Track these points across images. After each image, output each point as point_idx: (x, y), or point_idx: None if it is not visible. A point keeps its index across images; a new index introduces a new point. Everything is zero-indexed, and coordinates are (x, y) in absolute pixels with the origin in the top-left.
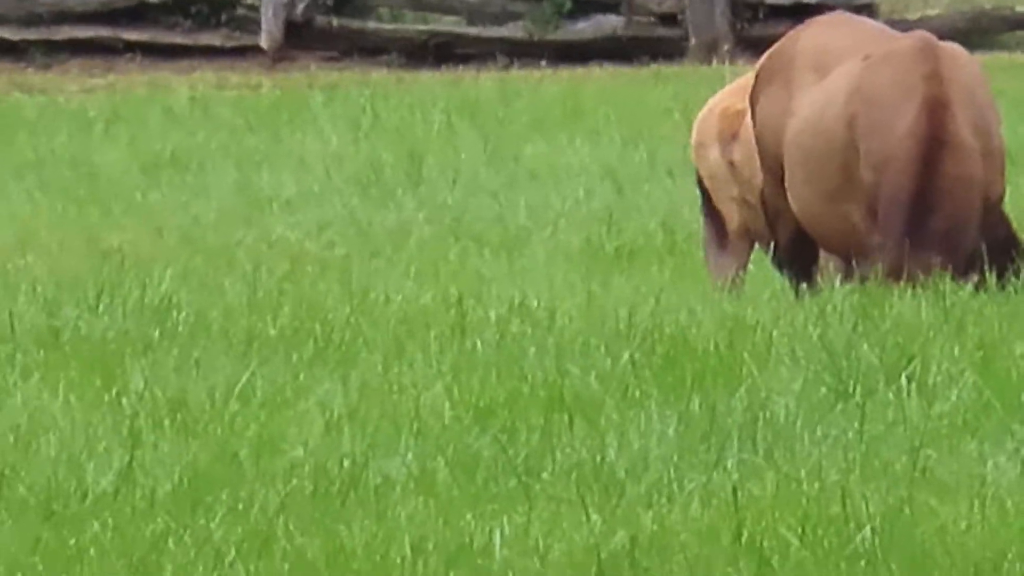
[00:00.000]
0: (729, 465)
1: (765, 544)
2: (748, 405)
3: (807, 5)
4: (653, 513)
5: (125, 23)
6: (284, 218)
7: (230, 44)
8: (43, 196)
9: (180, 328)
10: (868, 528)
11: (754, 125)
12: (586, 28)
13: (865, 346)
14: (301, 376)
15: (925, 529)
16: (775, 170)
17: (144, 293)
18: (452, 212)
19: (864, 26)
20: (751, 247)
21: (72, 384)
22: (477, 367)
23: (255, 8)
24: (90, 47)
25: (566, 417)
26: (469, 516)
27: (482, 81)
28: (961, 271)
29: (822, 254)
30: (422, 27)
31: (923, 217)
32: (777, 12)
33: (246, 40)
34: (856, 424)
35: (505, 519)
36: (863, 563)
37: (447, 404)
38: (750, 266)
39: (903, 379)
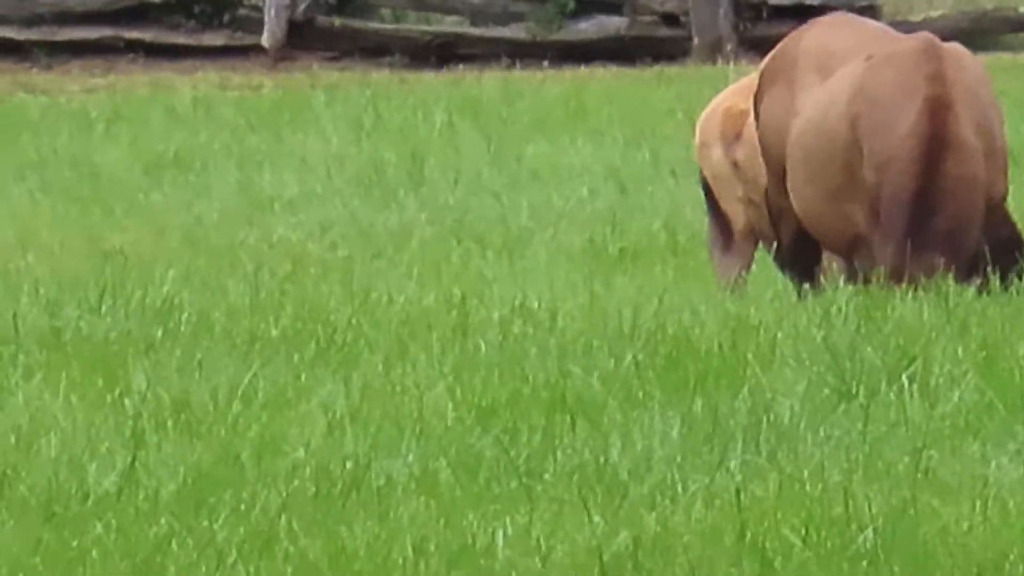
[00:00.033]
0: (732, 466)
1: (768, 545)
2: (752, 406)
3: (810, 6)
4: (656, 514)
5: (127, 23)
6: (286, 218)
7: (232, 44)
8: (45, 196)
9: (182, 329)
10: (871, 529)
11: (757, 125)
12: (589, 28)
13: (868, 347)
14: (303, 377)
15: (928, 530)
16: (778, 170)
17: (146, 293)
18: (454, 213)
19: (867, 27)
20: (755, 247)
21: (74, 384)
22: (479, 368)
23: (257, 8)
24: (92, 47)
25: (568, 418)
26: (471, 517)
27: (484, 81)
28: (964, 272)
29: (825, 254)
30: (424, 27)
31: (925, 217)
32: (780, 12)
33: (248, 40)
34: (859, 425)
35: (507, 520)
36: (865, 564)
37: (449, 405)
38: (753, 266)
39: (905, 380)
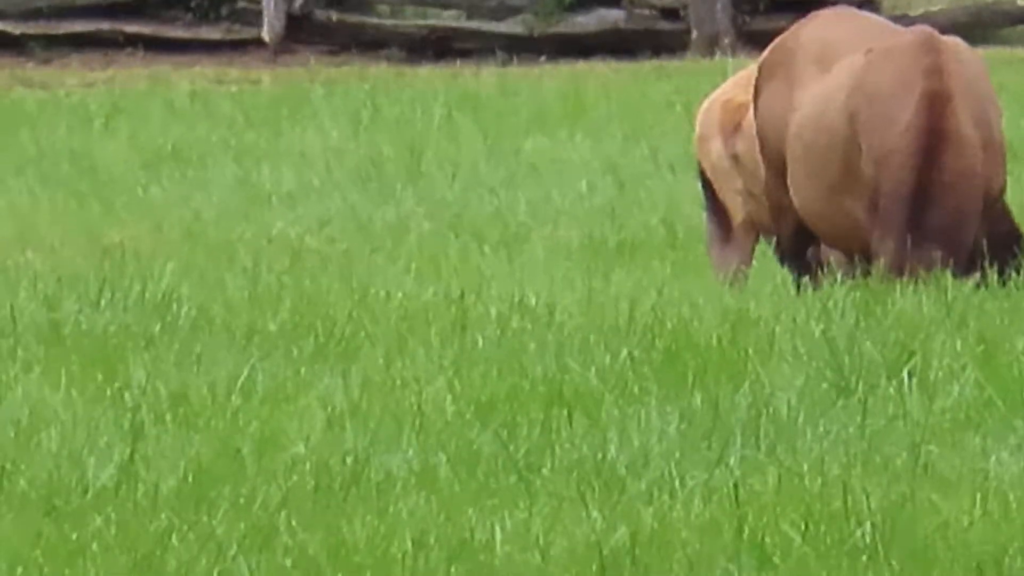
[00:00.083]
0: (731, 461)
1: (766, 540)
2: (752, 401)
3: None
4: (654, 509)
5: (125, 17)
6: (284, 213)
7: (230, 38)
8: (43, 191)
9: (181, 323)
10: (869, 523)
11: (756, 120)
12: (587, 22)
13: (867, 342)
14: (302, 371)
15: (927, 524)
16: (777, 165)
17: (145, 288)
18: (452, 207)
19: (866, 20)
20: (755, 240)
21: (73, 378)
22: (478, 363)
23: (256, 1)
24: (90, 41)
25: (566, 413)
26: (470, 511)
27: (482, 76)
28: (962, 265)
29: (824, 248)
30: (422, 22)
31: (924, 211)
32: (778, 6)
33: (246, 34)
34: (858, 419)
35: (506, 514)
36: (864, 558)
37: (448, 399)
38: (753, 260)
39: (904, 374)
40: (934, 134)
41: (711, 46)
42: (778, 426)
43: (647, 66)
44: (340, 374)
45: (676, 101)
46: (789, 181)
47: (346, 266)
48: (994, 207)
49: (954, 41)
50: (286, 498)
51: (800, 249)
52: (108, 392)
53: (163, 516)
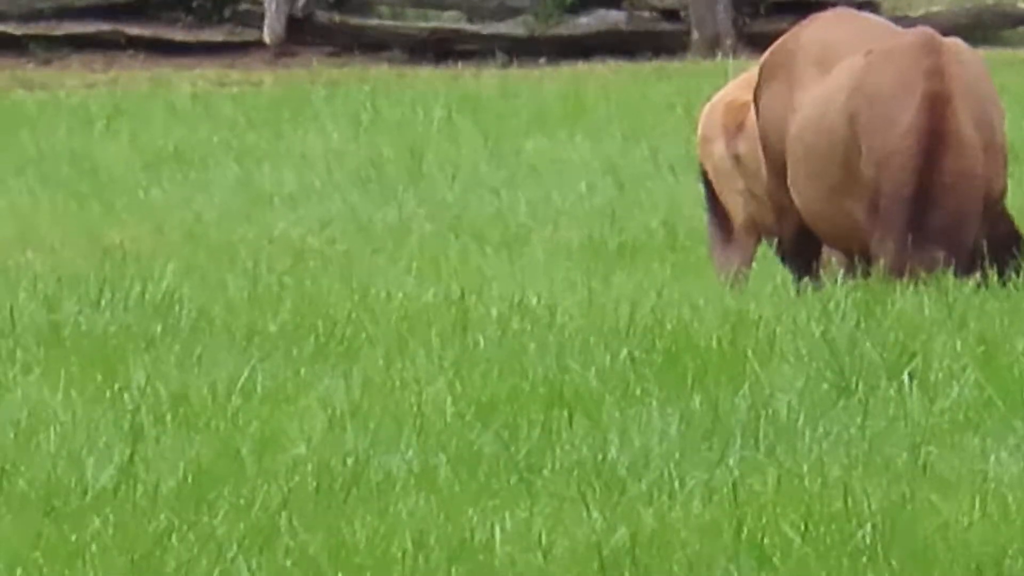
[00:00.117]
0: (730, 462)
1: (766, 540)
2: (751, 403)
3: (808, 1)
4: (654, 510)
5: (126, 18)
6: (285, 214)
7: (232, 40)
8: (44, 192)
9: (182, 324)
10: (869, 524)
11: (758, 121)
12: (587, 23)
13: (867, 343)
14: (303, 372)
15: (927, 525)
16: (778, 166)
17: (145, 289)
18: (453, 209)
19: (868, 22)
20: (757, 241)
21: (73, 379)
22: (479, 364)
23: (257, 3)
24: (91, 42)
25: (567, 414)
26: (471, 512)
27: (483, 77)
28: (963, 266)
29: (824, 249)
30: (423, 24)
31: (925, 213)
32: (779, 8)
33: (248, 36)
34: (858, 420)
35: (507, 515)
36: (864, 559)
37: (449, 400)
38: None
39: (905, 375)
40: (935, 135)
41: (712, 47)
42: (778, 427)
43: (647, 67)
44: (341, 375)
45: (676, 102)
46: (790, 182)
47: (347, 267)
48: (995, 208)
49: (954, 42)
50: (286, 499)
51: (801, 250)
52: (108, 393)
53: (163, 517)
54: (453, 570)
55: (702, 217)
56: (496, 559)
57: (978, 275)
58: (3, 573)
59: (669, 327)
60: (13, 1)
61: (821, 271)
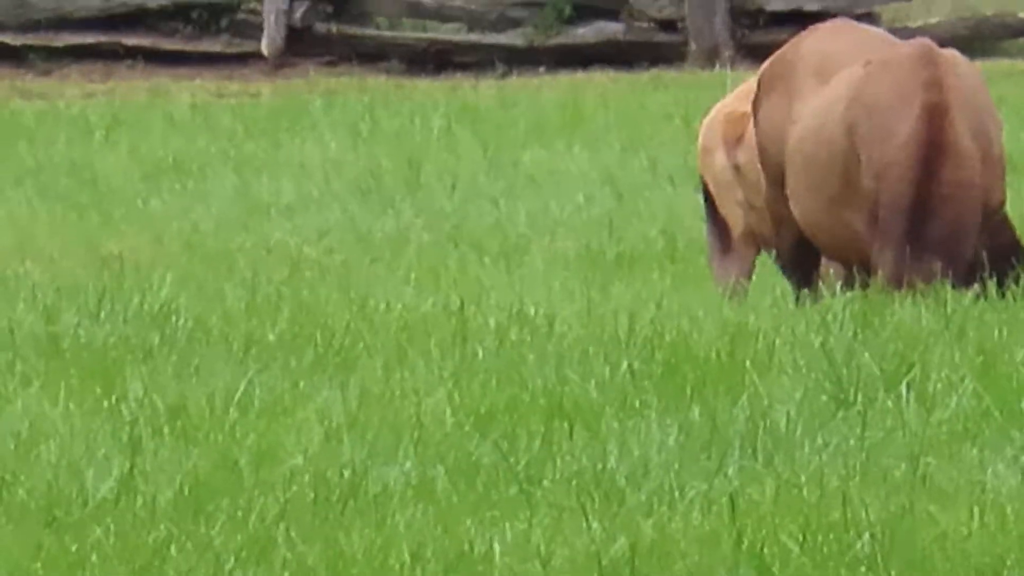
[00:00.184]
0: (729, 472)
1: (765, 551)
2: (750, 414)
3: (807, 13)
4: (653, 520)
5: (125, 29)
6: (283, 224)
7: (230, 50)
8: (43, 202)
9: (179, 334)
10: (868, 535)
11: (756, 132)
12: (586, 34)
13: (866, 354)
14: (301, 383)
15: (925, 536)
16: (777, 177)
17: (144, 299)
18: (451, 219)
19: (866, 33)
20: (756, 252)
21: (72, 391)
22: (478, 374)
23: (256, 14)
24: (90, 53)
25: (566, 425)
26: (469, 523)
27: (481, 88)
28: (962, 277)
29: (823, 260)
30: (421, 34)
31: (923, 223)
32: (777, 19)
33: (246, 47)
34: (856, 431)
35: (506, 526)
36: (863, 569)
37: (448, 411)
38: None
39: (903, 386)
40: (933, 146)
41: (710, 58)
42: (777, 438)
43: (645, 77)
44: (338, 386)
45: (674, 113)
46: (788, 193)
47: (345, 277)
48: (993, 219)
49: (952, 53)
50: (284, 510)
51: (800, 261)
52: (106, 405)
53: (162, 527)
54: None
55: (701, 228)
56: (495, 570)
57: (977, 285)
58: None
59: (668, 338)
60: (11, 11)
61: (820, 282)
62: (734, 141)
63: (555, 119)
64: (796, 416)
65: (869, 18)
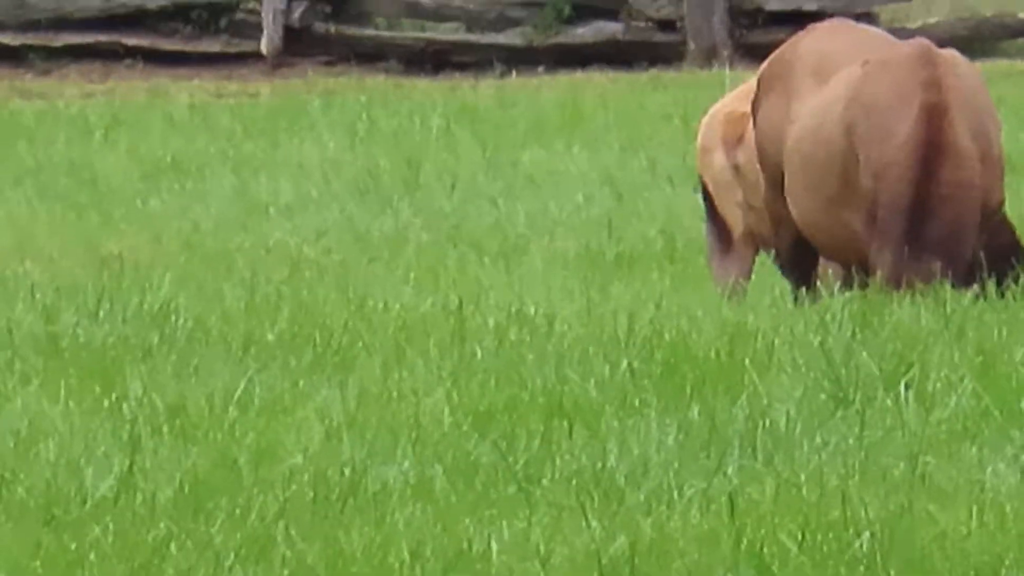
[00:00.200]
0: (729, 471)
1: (764, 550)
2: (749, 413)
3: (806, 12)
4: (653, 519)
5: (124, 29)
6: (282, 224)
7: (229, 50)
8: (42, 202)
9: (179, 334)
10: (867, 534)
11: (755, 132)
12: (585, 33)
13: (865, 353)
14: (300, 382)
15: (924, 535)
16: (776, 177)
17: (143, 299)
18: (450, 219)
19: (864, 33)
20: (755, 252)
21: (71, 390)
22: (476, 374)
23: (254, 14)
24: (89, 53)
25: (566, 424)
26: (468, 522)
27: (480, 87)
28: (961, 277)
29: (821, 260)
30: (420, 34)
31: (922, 224)
32: (776, 19)
33: (245, 47)
34: (856, 430)
35: (504, 525)
36: (862, 568)
37: (447, 410)
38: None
39: (902, 386)
40: (932, 146)
41: (708, 58)
42: (776, 437)
43: (644, 77)
44: (337, 385)
45: (673, 113)
46: (787, 194)
47: (344, 276)
48: (992, 219)
49: (951, 54)
50: (283, 508)
51: (798, 261)
52: (106, 403)
53: (161, 526)
54: None
55: (700, 228)
56: (493, 569)
57: (976, 285)
58: None
59: (667, 338)
60: (11, 11)
61: (818, 282)
62: (733, 141)
63: (554, 119)
64: (795, 415)
65: (868, 18)
